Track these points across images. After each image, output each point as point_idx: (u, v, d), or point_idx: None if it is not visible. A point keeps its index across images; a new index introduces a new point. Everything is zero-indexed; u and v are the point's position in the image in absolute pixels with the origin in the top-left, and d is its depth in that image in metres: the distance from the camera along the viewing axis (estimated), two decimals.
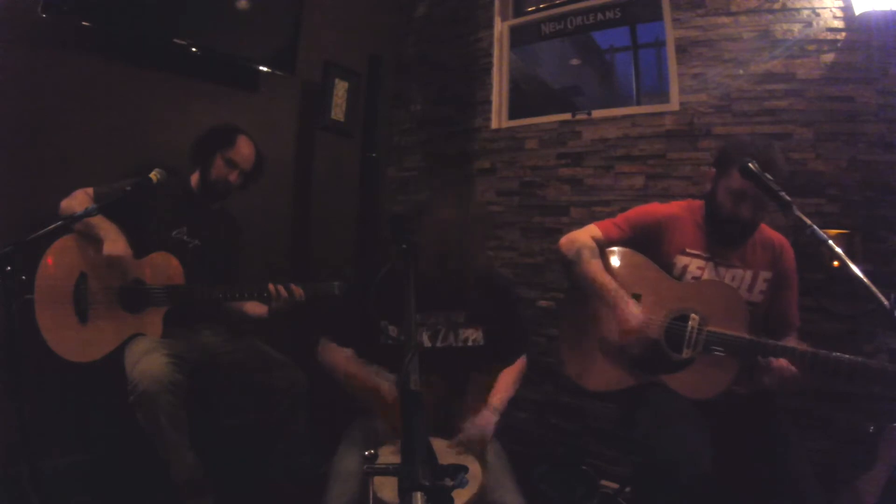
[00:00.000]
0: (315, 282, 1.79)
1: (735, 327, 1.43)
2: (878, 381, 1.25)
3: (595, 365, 1.58)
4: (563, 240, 1.64)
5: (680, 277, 1.55)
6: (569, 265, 1.59)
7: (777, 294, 1.55)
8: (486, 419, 1.35)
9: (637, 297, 1.53)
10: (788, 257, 1.57)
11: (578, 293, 1.61)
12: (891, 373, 1.27)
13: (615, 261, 1.62)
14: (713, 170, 1.54)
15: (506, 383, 1.46)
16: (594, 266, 1.55)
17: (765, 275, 1.54)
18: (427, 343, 1.40)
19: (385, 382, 1.29)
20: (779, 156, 1.43)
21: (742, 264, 1.55)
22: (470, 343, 1.43)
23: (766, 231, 1.59)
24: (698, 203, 1.61)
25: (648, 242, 1.60)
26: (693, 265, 1.55)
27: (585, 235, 1.61)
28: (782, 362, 1.34)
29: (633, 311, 1.47)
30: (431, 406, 1.34)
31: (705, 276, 1.54)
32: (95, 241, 1.63)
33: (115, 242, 1.63)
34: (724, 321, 1.44)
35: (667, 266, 1.57)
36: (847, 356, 1.29)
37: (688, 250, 1.56)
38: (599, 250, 1.60)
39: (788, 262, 1.57)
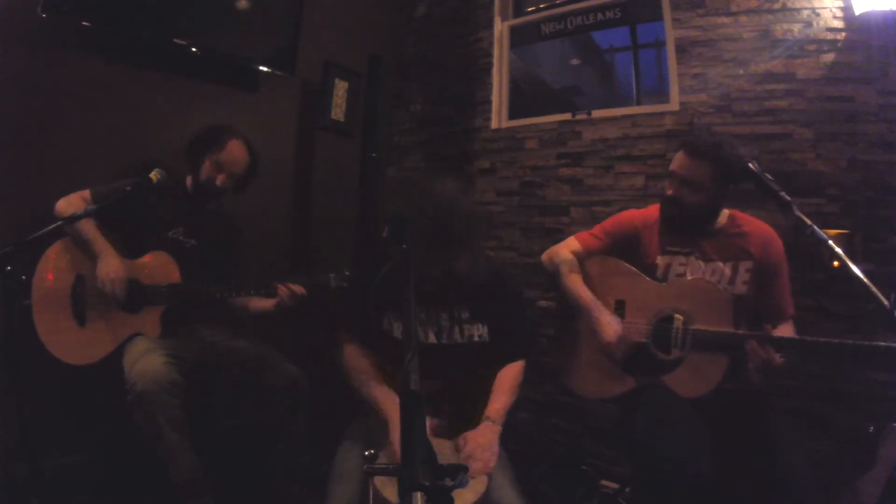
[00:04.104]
0: (311, 276, 1.80)
1: (720, 323, 1.45)
2: (857, 361, 1.30)
3: (589, 374, 1.61)
4: (545, 255, 1.71)
5: (665, 277, 1.58)
6: (552, 280, 1.65)
7: (766, 284, 1.54)
8: (487, 433, 1.26)
9: (621, 303, 1.56)
10: (774, 247, 1.55)
11: (566, 305, 1.63)
12: (857, 348, 1.28)
13: (595, 270, 1.65)
14: None
15: (502, 391, 1.38)
16: (572, 280, 1.61)
17: (746, 265, 1.54)
18: (433, 339, 1.38)
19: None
20: (729, 141, 1.48)
21: (719, 257, 1.55)
22: (476, 339, 1.39)
23: (743, 221, 1.59)
24: None
25: (629, 248, 1.63)
26: (675, 262, 1.58)
27: (564, 250, 1.67)
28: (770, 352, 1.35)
29: (610, 321, 1.50)
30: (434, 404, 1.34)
31: (688, 271, 1.55)
32: (91, 256, 1.63)
33: (111, 267, 1.62)
34: (709, 318, 1.46)
35: (650, 268, 1.59)
36: (826, 339, 1.32)
37: (667, 248, 1.59)
38: (580, 262, 1.65)
39: (775, 252, 1.55)
